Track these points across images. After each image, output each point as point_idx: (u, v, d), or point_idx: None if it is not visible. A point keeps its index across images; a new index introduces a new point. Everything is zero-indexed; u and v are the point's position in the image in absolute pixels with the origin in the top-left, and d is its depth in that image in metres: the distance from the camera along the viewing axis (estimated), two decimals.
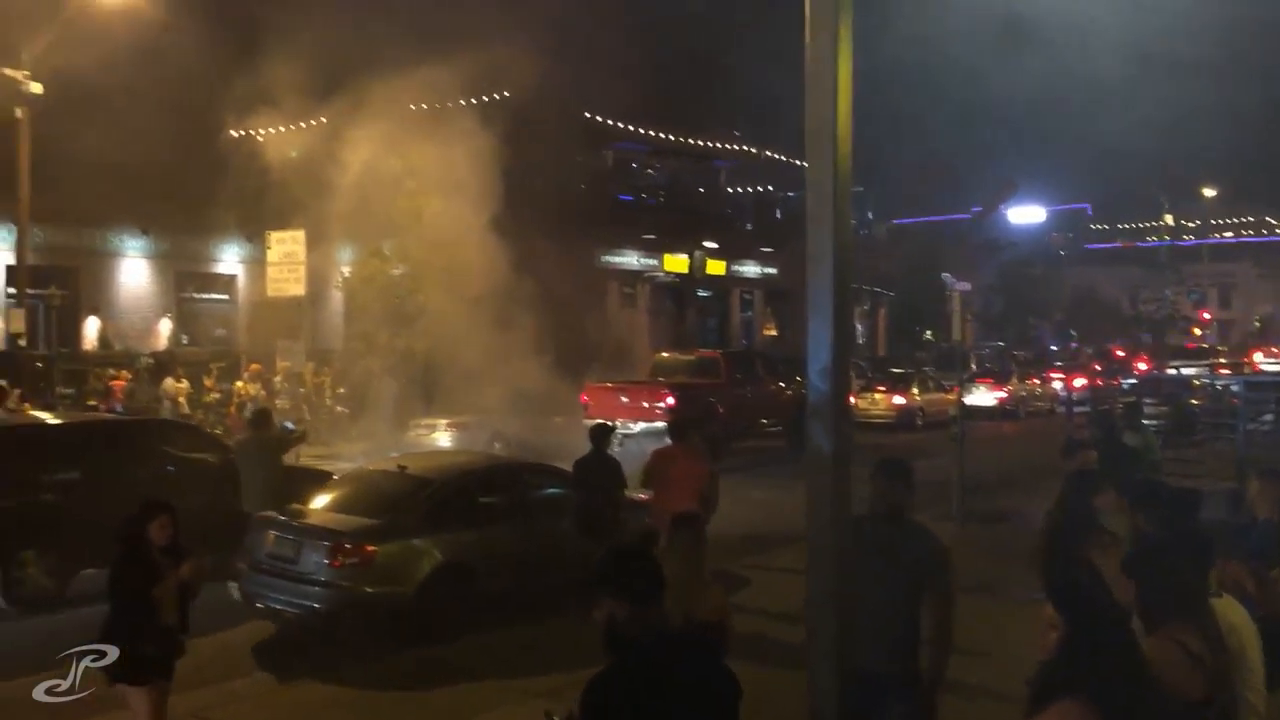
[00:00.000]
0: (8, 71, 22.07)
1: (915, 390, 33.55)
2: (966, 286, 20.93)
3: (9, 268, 24.32)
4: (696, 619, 5.18)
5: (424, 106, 28.22)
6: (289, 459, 12.90)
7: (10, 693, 7.94)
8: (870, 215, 50.56)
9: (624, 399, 23.49)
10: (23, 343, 23.54)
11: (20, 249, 23.20)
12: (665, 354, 27.61)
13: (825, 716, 4.28)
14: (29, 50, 22.14)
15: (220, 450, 13.34)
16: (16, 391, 21.41)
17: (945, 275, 28.21)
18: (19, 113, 22.35)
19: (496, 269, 25.31)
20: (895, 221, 54.30)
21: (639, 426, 22.02)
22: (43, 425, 13.76)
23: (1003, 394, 37.40)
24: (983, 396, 35.91)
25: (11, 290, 24.08)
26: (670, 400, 22.72)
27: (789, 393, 25.37)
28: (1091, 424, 12.58)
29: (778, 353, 31.45)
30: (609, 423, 11.83)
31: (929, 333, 55.36)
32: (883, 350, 49.93)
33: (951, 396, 33.60)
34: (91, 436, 13.13)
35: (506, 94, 26.88)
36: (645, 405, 22.85)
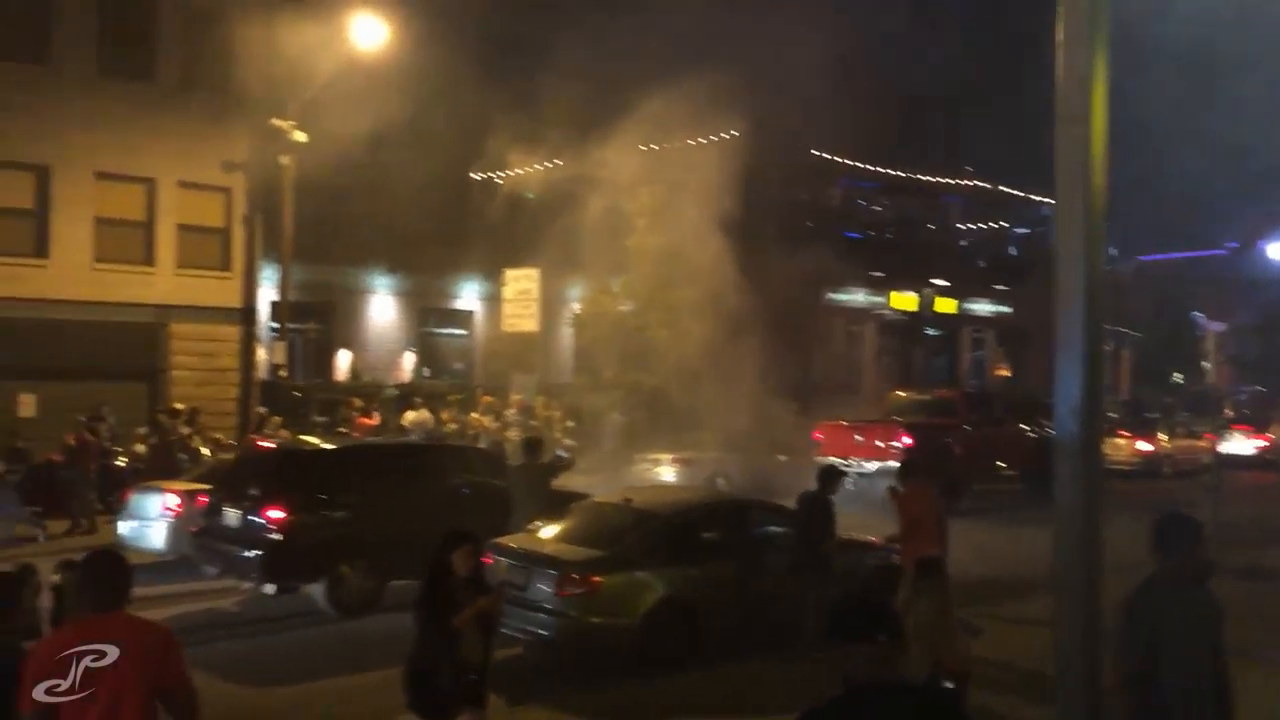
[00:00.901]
0: (276, 121, 23.89)
1: (1163, 436, 31.60)
2: (1220, 326, 19.60)
3: (273, 303, 26.20)
4: (944, 667, 5.00)
5: (653, 146, 28.80)
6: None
7: (336, 686, 9.70)
8: (1115, 252, 48.08)
9: (858, 438, 23.10)
10: (283, 373, 25.29)
11: (283, 286, 24.99)
12: (901, 393, 26.90)
13: None
14: (295, 100, 23.91)
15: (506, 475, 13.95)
16: (277, 419, 23.07)
17: (1196, 314, 26.53)
18: (285, 160, 24.13)
19: (722, 306, 25.46)
20: (1143, 258, 51.44)
21: (873, 466, 21.62)
22: (364, 448, 15.55)
23: (1262, 443, 34.72)
24: (1240, 444, 33.42)
25: (274, 324, 25.93)
26: (906, 440, 22.16)
27: (1030, 436, 24.37)
28: None
29: (1017, 393, 30.23)
30: (839, 465, 11.67)
31: (1177, 375, 52.10)
32: (1126, 393, 47.30)
33: (1204, 444, 31.55)
34: (403, 459, 14.48)
35: (734, 133, 27.08)
36: (880, 444, 22.38)
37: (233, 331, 25.46)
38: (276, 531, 12.12)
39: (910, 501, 10.84)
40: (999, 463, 24.26)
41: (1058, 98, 3.88)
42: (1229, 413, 40.52)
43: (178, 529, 14.55)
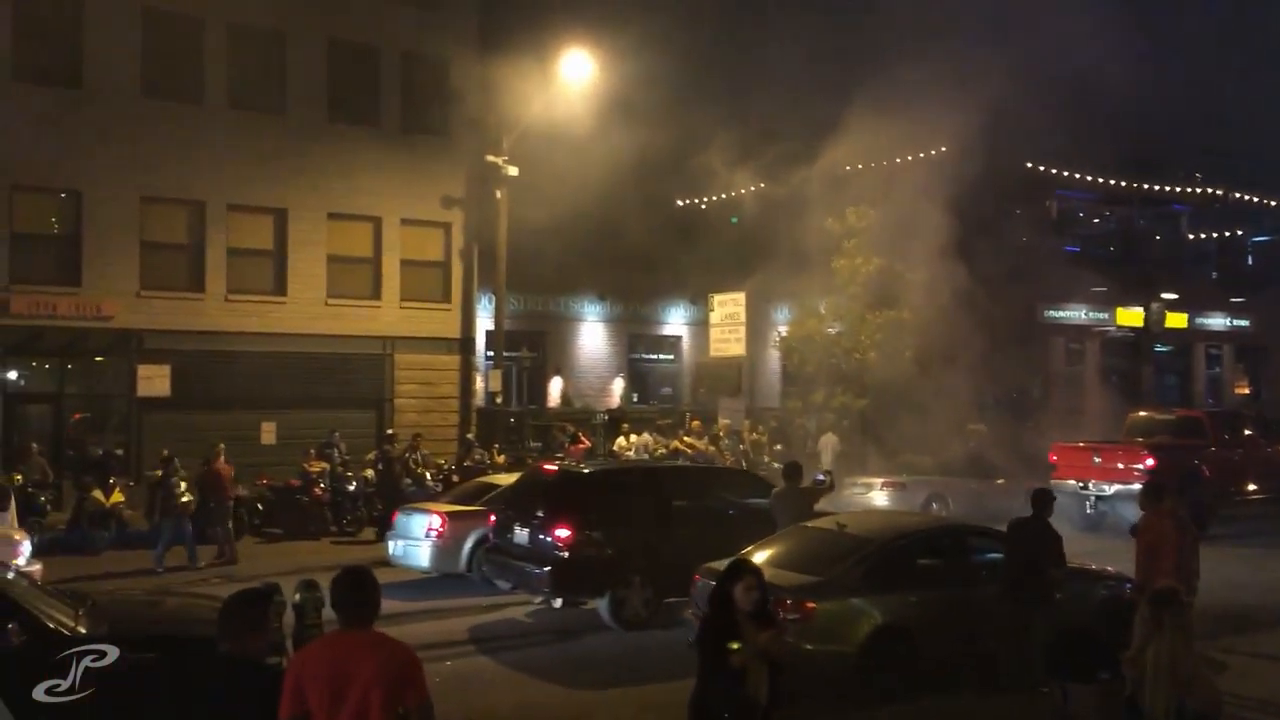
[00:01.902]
0: (490, 158, 24.84)
1: None
2: None
3: (488, 333, 27.17)
4: (1189, 707, 4.66)
5: (860, 166, 28.44)
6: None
7: (619, 697, 10.24)
8: None
9: (1097, 459, 22.09)
10: (499, 400, 26.16)
11: (498, 316, 25.90)
12: (1142, 412, 25.57)
13: None
14: (508, 136, 24.80)
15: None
16: (495, 445, 23.90)
17: None
18: (499, 194, 25.05)
19: (935, 326, 24.84)
20: None
21: (1113, 489, 20.68)
22: (638, 469, 16.78)
23: None
24: None
25: (490, 353, 26.88)
26: (1150, 461, 21.06)
27: None
28: None
29: (1265, 412, 28.25)
30: (1051, 489, 11.18)
31: None
32: None
33: None
34: (673, 480, 15.18)
35: (943, 149, 26.45)
36: (1121, 466, 21.37)
37: (452, 360, 26.53)
38: (563, 549, 12.86)
39: (1147, 529, 10.25)
40: (1249, 485, 22.73)
41: None
42: None
43: (441, 548, 15.51)
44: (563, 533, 12.91)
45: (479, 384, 27.08)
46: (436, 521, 15.66)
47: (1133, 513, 18.65)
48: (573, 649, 12.46)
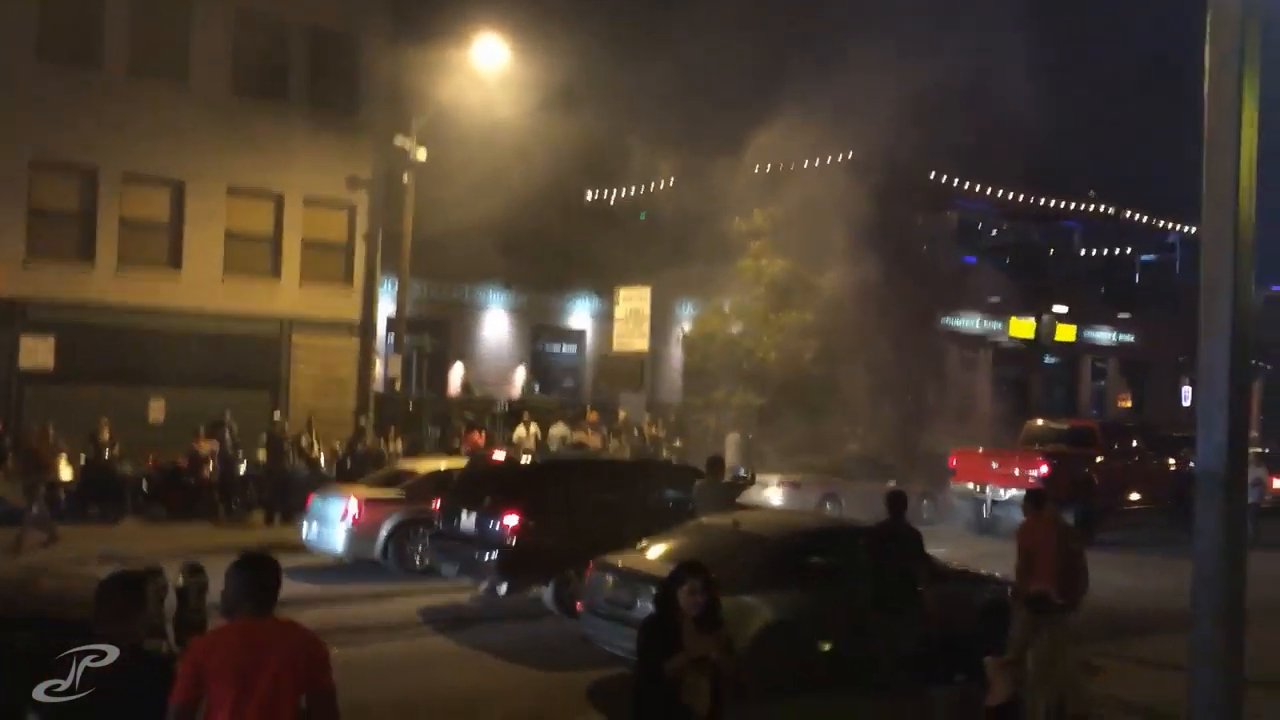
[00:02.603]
0: (399, 140, 24.49)
1: None
2: None
3: (389, 318, 26.80)
4: (1066, 710, 4.79)
5: (768, 168, 28.72)
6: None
7: (578, 679, 10.38)
8: None
9: (994, 464, 22.89)
10: (398, 386, 25.83)
11: (400, 301, 25.55)
12: (1039, 421, 26.55)
13: None
14: (418, 120, 24.48)
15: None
16: (390, 431, 23.59)
17: None
18: (405, 178, 24.70)
19: (835, 329, 25.25)
20: (1276, 288, 49.38)
21: (1009, 494, 21.35)
22: (584, 463, 17.18)
23: None
24: None
25: (390, 338, 26.51)
26: (1044, 469, 21.88)
27: (1171, 468, 23.85)
28: None
29: (1154, 425, 29.39)
30: (904, 491, 11.51)
31: None
32: (1257, 428, 45.38)
33: None
34: (616, 472, 15.67)
35: (850, 155, 26.87)
36: (1017, 472, 22.10)
37: (351, 344, 26.10)
38: (511, 536, 13.02)
39: (1028, 533, 10.53)
40: (1134, 495, 23.61)
41: (1206, 125, 3.72)
42: None
43: (357, 534, 15.31)
44: (511, 520, 13.06)
45: (378, 369, 26.70)
46: (354, 505, 15.44)
47: (1019, 517, 19.34)
48: (523, 631, 12.63)
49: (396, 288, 25.72)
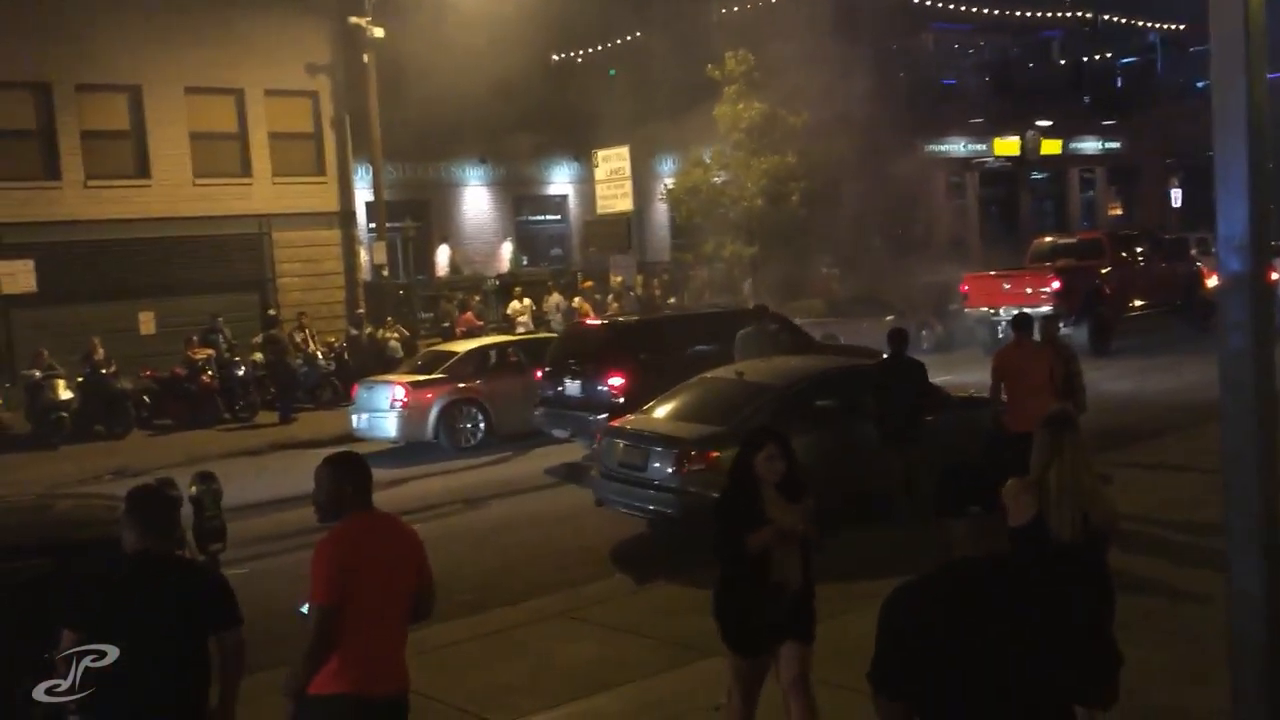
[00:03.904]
0: (353, 19, 23.73)
1: None
2: None
3: (368, 204, 26.40)
4: (1091, 522, 4.79)
5: (735, 8, 27.90)
6: None
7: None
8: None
9: (1006, 285, 22.91)
10: (386, 273, 25.60)
11: (377, 186, 25.13)
12: (1046, 238, 26.57)
13: (1250, 637, 3.80)
14: None
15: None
16: (390, 317, 23.53)
17: None
18: (365, 58, 24.01)
19: (817, 167, 24.90)
20: None
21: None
22: (673, 319, 18.16)
23: None
24: None
25: (372, 225, 26.17)
26: (1056, 284, 21.96)
27: (1180, 271, 24.01)
28: None
29: (1162, 229, 29.36)
30: (905, 327, 11.54)
31: None
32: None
33: None
34: (702, 325, 16.06)
35: None
36: (1029, 291, 22.13)
37: (333, 235, 25.78)
38: (618, 395, 13.80)
39: (1020, 356, 10.52)
40: (1145, 301, 23.68)
41: None
42: None
43: (407, 418, 16.09)
44: (616, 380, 13.95)
45: (363, 258, 26.44)
46: (400, 392, 16.21)
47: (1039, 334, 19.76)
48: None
49: (371, 173, 25.26)
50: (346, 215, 26.01)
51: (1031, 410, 8.47)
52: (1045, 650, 3.11)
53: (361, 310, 24.61)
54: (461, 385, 16.49)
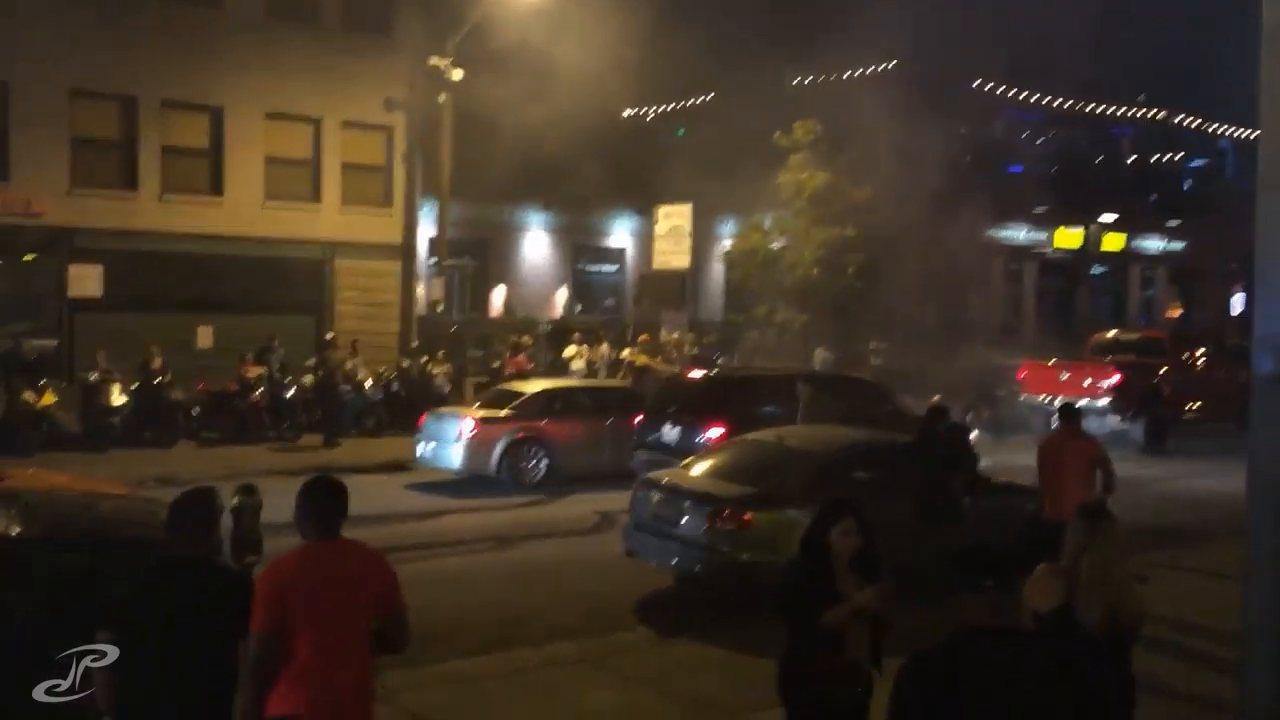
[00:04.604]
0: (434, 60, 24.27)
1: None
2: None
3: (431, 240, 26.82)
4: (1120, 617, 4.77)
5: (807, 80, 28.20)
6: None
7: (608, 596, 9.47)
8: None
9: (1064, 375, 23.06)
10: (440, 308, 25.92)
11: (441, 223, 25.54)
12: (1109, 333, 26.59)
13: None
14: (453, 39, 24.23)
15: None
16: (442, 352, 23.82)
17: None
18: (441, 98, 24.53)
19: (878, 244, 24.96)
20: None
21: (1079, 405, 21.39)
22: (770, 376, 17.87)
23: None
24: None
25: (432, 260, 26.57)
26: (1116, 378, 22.09)
27: (1240, 377, 23.73)
28: None
29: (1226, 334, 29.06)
30: (945, 405, 11.60)
31: None
32: None
33: None
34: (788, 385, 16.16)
35: (894, 64, 26.31)
36: (1088, 383, 22.32)
37: (393, 267, 26.19)
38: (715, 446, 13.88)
39: (1063, 445, 10.50)
40: (1201, 404, 23.40)
41: (1265, 18, 3.60)
42: None
43: (474, 451, 16.53)
44: (715, 432, 14.29)
45: (420, 291, 26.81)
46: (469, 425, 16.66)
47: (1095, 427, 19.78)
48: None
49: (436, 210, 25.69)
50: (408, 248, 26.44)
51: (1069, 500, 8.45)
52: None
53: (416, 344, 24.91)
54: (528, 423, 16.86)
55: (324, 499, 4.72)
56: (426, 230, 27.03)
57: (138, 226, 22.71)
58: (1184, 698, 7.16)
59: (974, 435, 16.47)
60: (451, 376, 23.52)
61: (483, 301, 29.49)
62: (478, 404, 18.24)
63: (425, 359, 24.02)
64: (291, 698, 4.50)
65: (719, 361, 26.98)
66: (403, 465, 18.31)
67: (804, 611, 5.17)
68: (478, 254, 29.60)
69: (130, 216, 22.74)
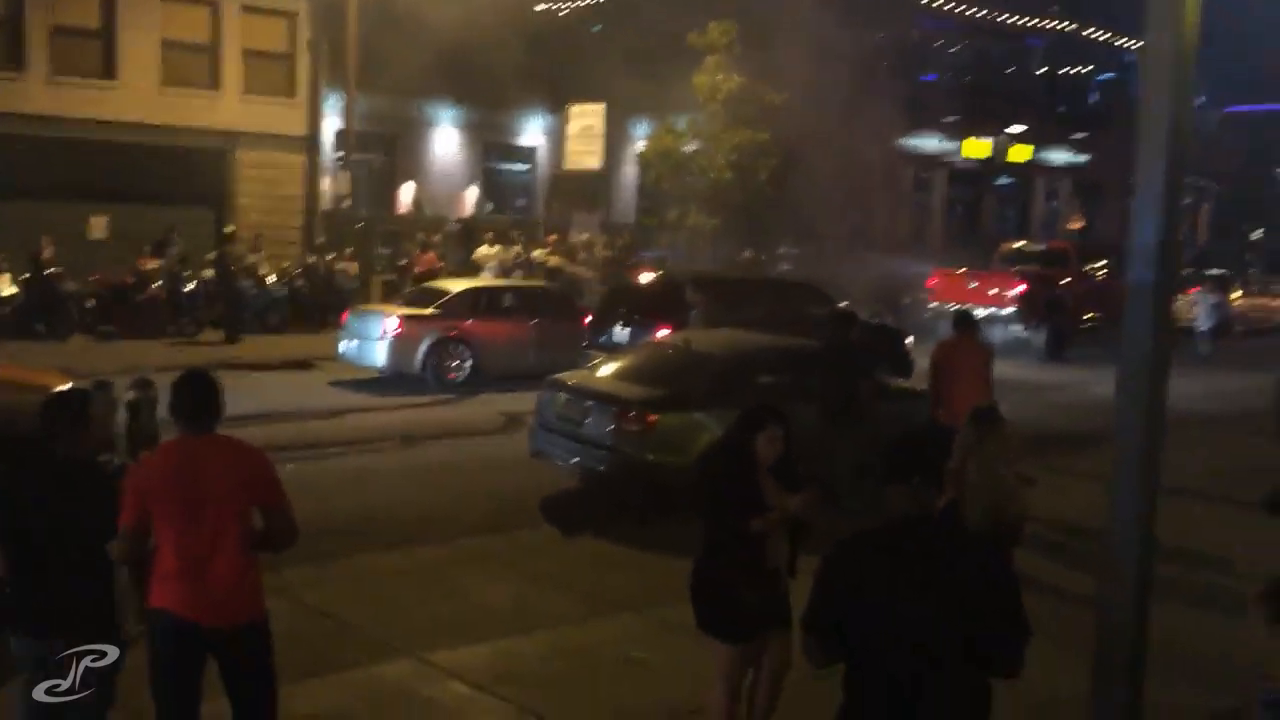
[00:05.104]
0: None
1: (1235, 293, 30.86)
2: None
3: (337, 132, 26.10)
4: (1005, 518, 4.94)
5: None
6: None
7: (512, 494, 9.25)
8: (1203, 99, 45.98)
9: (973, 285, 23.75)
10: (347, 204, 25.36)
11: (348, 115, 24.80)
12: (1015, 243, 27.36)
13: (1116, 629, 4.03)
14: None
15: None
16: (350, 249, 23.37)
17: None
18: None
19: (790, 148, 24.96)
20: (1229, 109, 49.27)
21: (986, 312, 21.91)
22: (720, 279, 18.75)
23: None
24: None
25: (339, 154, 25.90)
26: (1022, 288, 22.84)
27: None
28: None
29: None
30: (852, 312, 11.79)
31: (1258, 232, 50.59)
32: (1202, 247, 46.02)
33: (1278, 302, 30.81)
34: (741, 288, 17.78)
35: None
36: (995, 292, 23.10)
37: (297, 160, 25.48)
38: None
39: (956, 352, 10.74)
40: (1102, 314, 24.08)
41: None
42: None
43: (398, 348, 16.36)
44: (665, 332, 14.36)
45: (326, 186, 26.15)
46: (394, 323, 16.43)
47: (1001, 334, 20.52)
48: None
49: (343, 102, 24.95)
50: (313, 141, 25.71)
51: (961, 405, 8.67)
52: (952, 607, 3.33)
53: (322, 240, 24.38)
54: (453, 322, 16.76)
55: (190, 394, 4.64)
56: (333, 123, 26.28)
57: (25, 110, 21.67)
58: (1055, 592, 7.46)
59: (910, 340, 16.93)
60: (359, 274, 23.13)
61: (390, 198, 28.89)
62: (402, 301, 18.08)
63: (331, 255, 23.58)
64: (162, 593, 4.53)
65: (666, 263, 26.95)
66: (307, 363, 18.09)
67: (725, 516, 5.15)
68: (386, 149, 28.89)
69: (17, 99, 21.68)
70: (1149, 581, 4.01)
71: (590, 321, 16.81)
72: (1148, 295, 3.82)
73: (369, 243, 24.77)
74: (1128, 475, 3.87)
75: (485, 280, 20.21)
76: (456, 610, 7.76)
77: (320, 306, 22.03)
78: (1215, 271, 31.02)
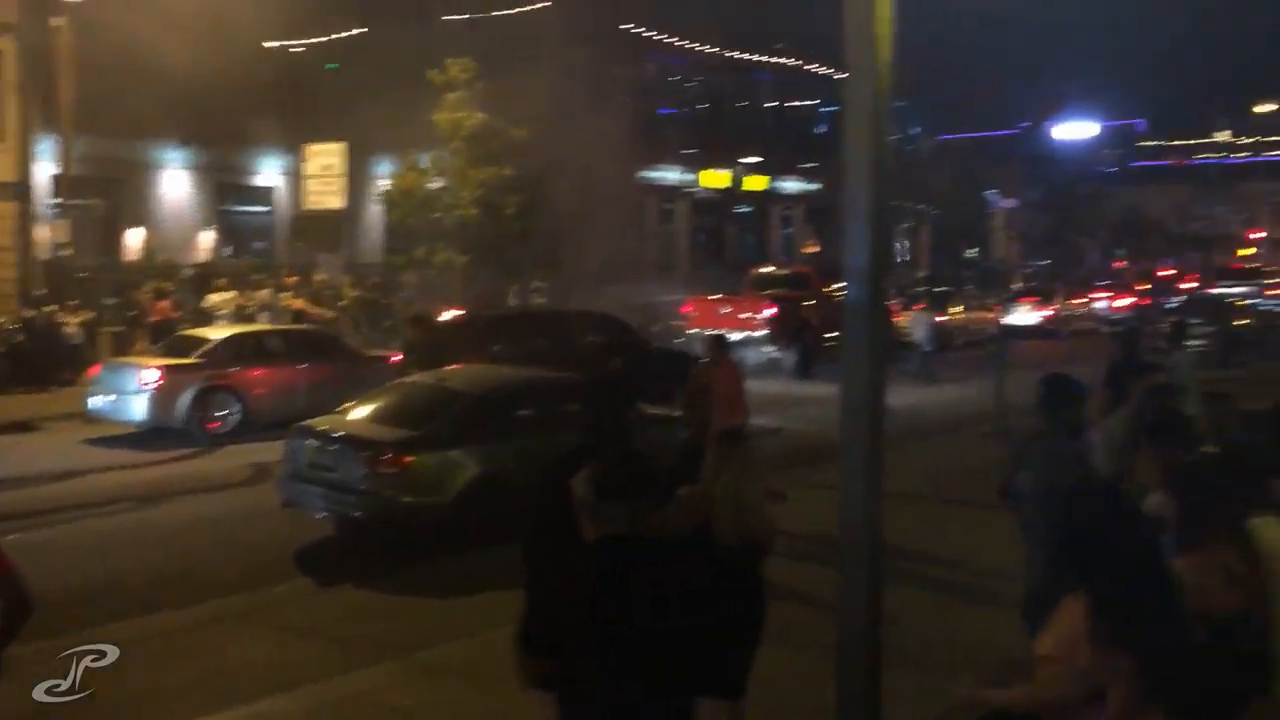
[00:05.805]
0: None
1: (955, 308, 33.20)
2: (1011, 203, 20.85)
3: (53, 178, 24.45)
4: (750, 536, 5.08)
5: (465, 16, 27.86)
6: None
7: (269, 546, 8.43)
8: (918, 130, 49.45)
9: (725, 309, 24.55)
10: (68, 253, 23.77)
11: (64, 159, 23.29)
12: (762, 269, 28.72)
13: (853, 629, 4.25)
14: None
15: None
16: (73, 302, 21.87)
17: (989, 192, 28.06)
18: (56, 22, 22.30)
19: (533, 182, 25.18)
20: (941, 137, 53.15)
21: (740, 336, 22.60)
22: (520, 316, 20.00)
23: (1047, 313, 36.89)
24: (1026, 316, 35.49)
25: (56, 200, 24.25)
26: (772, 311, 23.78)
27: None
28: (1113, 343, 12.39)
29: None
30: (606, 342, 12.11)
31: (972, 251, 54.77)
32: (924, 269, 49.40)
33: (991, 315, 33.34)
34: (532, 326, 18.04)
35: (547, 3, 26.45)
36: (747, 316, 23.86)
37: (7, 208, 23.76)
38: None
39: (718, 374, 11.12)
40: (838, 333, 25.30)
41: None
42: (1017, 285, 42.98)
43: (158, 400, 15.53)
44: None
45: (42, 234, 24.41)
46: (153, 375, 15.70)
47: (755, 356, 21.35)
48: None
49: (58, 146, 23.40)
50: (23, 187, 23.99)
51: (723, 425, 8.96)
52: (673, 626, 3.42)
53: (43, 292, 22.73)
54: (218, 371, 16.08)
55: None
56: (47, 168, 24.61)
57: None
58: (803, 599, 7.80)
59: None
60: (85, 326, 21.69)
61: (117, 246, 27.28)
62: (160, 351, 17.34)
63: (53, 308, 22.01)
64: None
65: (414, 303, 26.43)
66: (29, 425, 16.82)
67: (547, 560, 5.05)
68: (110, 193, 27.30)
69: None
70: (880, 580, 4.25)
71: (400, 361, 16.07)
72: (863, 313, 4.07)
73: (95, 293, 23.28)
74: (854, 482, 4.11)
75: (251, 326, 19.39)
76: (205, 675, 7.35)
77: (44, 364, 20.54)
78: (938, 289, 33.33)
